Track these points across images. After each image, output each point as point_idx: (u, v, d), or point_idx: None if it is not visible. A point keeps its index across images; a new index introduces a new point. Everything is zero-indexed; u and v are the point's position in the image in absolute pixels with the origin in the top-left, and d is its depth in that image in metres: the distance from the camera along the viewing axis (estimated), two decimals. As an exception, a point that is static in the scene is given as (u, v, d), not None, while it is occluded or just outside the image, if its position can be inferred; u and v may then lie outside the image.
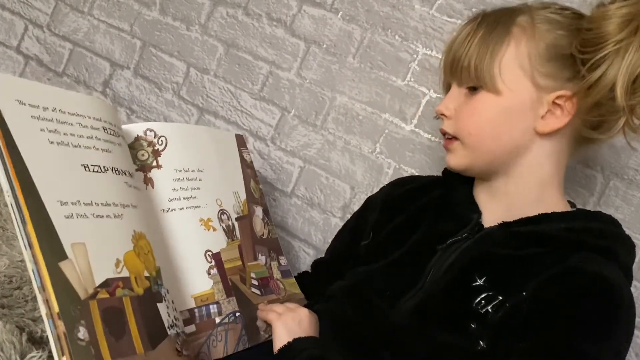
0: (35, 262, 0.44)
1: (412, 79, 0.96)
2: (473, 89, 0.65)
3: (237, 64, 1.07)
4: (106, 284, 0.49)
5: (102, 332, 0.46)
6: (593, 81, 0.58)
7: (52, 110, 0.54)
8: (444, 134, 0.69)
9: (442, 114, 0.68)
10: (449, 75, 0.69)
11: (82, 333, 0.45)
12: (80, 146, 0.54)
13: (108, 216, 0.53)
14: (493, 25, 0.64)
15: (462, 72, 0.65)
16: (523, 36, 0.62)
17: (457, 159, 0.67)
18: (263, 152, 1.04)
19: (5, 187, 0.46)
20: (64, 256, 0.46)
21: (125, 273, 0.52)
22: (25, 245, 0.45)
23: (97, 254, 0.49)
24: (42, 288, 0.44)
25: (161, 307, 0.55)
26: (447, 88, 0.73)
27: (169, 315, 0.56)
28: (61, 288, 0.45)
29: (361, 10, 0.99)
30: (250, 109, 1.06)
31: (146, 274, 0.55)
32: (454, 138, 0.67)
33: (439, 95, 0.94)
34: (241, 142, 0.86)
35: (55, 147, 0.52)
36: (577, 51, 0.60)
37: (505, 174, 0.66)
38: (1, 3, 1.24)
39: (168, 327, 0.55)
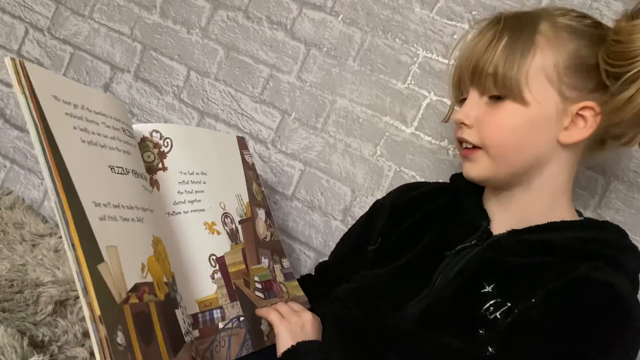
0: (78, 264, 0.43)
1: (412, 82, 0.96)
2: (496, 97, 0.63)
3: (238, 67, 1.07)
4: (135, 288, 0.48)
5: (135, 337, 0.45)
6: (628, 97, 0.58)
7: (82, 108, 0.51)
8: (461, 142, 0.67)
9: (463, 123, 0.65)
10: (469, 81, 0.66)
11: (120, 338, 0.43)
12: (106, 146, 0.53)
13: (132, 219, 0.51)
14: (517, 32, 0.62)
15: (487, 80, 0.63)
16: (548, 46, 0.61)
17: (479, 169, 0.65)
18: (264, 155, 1.04)
19: (49, 184, 0.44)
20: (101, 259, 0.45)
21: (149, 278, 0.50)
22: (69, 246, 0.43)
23: (127, 257, 0.48)
24: (85, 291, 0.42)
25: (178, 313, 0.54)
26: (457, 93, 0.72)
27: (184, 322, 0.55)
28: (100, 291, 0.43)
29: (361, 13, 1.00)
30: (251, 112, 1.06)
31: (165, 279, 0.53)
32: (476, 147, 0.65)
33: (439, 98, 0.94)
34: (242, 144, 0.86)
35: (86, 146, 0.50)
36: (604, 63, 0.59)
37: (522, 184, 0.65)
38: (1, 6, 1.24)
39: (185, 334, 0.54)
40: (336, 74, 1.00)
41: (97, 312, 0.42)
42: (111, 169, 0.52)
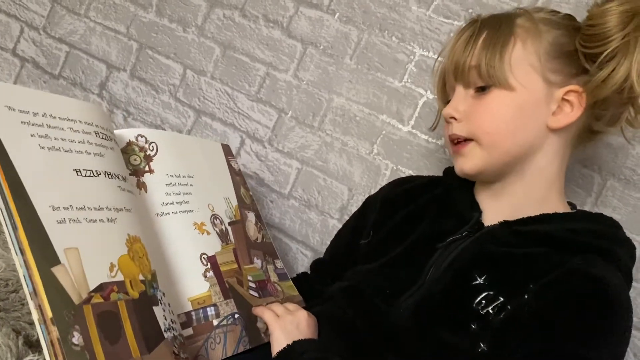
0: (27, 268, 0.44)
1: (409, 80, 0.96)
2: (481, 89, 0.64)
3: (234, 66, 1.07)
4: (100, 288, 0.49)
5: (96, 336, 0.46)
6: (606, 75, 0.60)
7: (43, 116, 0.53)
8: (454, 138, 0.67)
9: (452, 117, 0.66)
10: (452, 78, 0.68)
11: (77, 338, 0.44)
12: (71, 151, 0.54)
13: (101, 220, 0.53)
14: (495, 27, 0.65)
15: (470, 73, 0.65)
16: (527, 36, 0.63)
17: (473, 162, 0.65)
18: (260, 153, 1.04)
19: None
20: (56, 261, 0.46)
21: (119, 277, 0.51)
22: (16, 251, 0.44)
23: (91, 258, 0.49)
24: (35, 293, 0.43)
25: (157, 310, 0.55)
26: (443, 96, 0.73)
27: (165, 319, 0.56)
28: (54, 293, 0.44)
29: (358, 12, 0.99)
30: (248, 110, 1.06)
31: (141, 277, 0.54)
32: (467, 140, 0.65)
33: (436, 97, 0.93)
34: (228, 151, 0.86)
35: (46, 152, 0.51)
36: (581, 47, 0.62)
37: (515, 174, 0.65)
38: (-3, 5, 1.23)
39: (164, 331, 0.55)
40: (333, 73, 1.00)
41: (49, 314, 0.43)
42: (77, 172, 0.53)
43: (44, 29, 1.20)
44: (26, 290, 0.44)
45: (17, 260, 0.44)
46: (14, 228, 0.45)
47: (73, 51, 1.17)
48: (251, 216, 0.82)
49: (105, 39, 1.15)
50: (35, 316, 0.43)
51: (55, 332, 0.43)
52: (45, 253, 0.45)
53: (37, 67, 1.20)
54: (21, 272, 0.44)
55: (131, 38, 1.14)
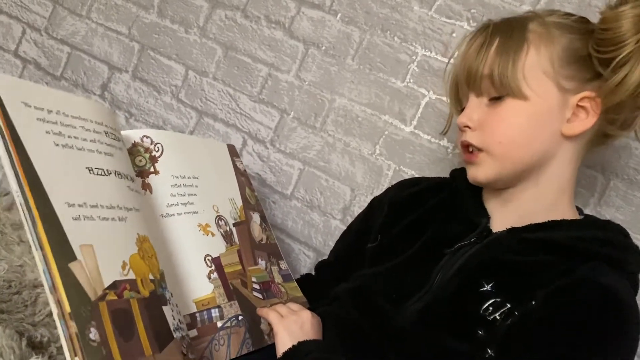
0: (46, 263, 0.44)
1: (411, 80, 0.96)
2: (496, 98, 0.64)
3: (236, 67, 1.07)
4: (114, 285, 0.49)
5: (112, 333, 0.46)
6: (620, 79, 0.59)
7: (56, 113, 0.53)
8: (467, 145, 0.67)
9: (466, 126, 0.66)
10: (465, 87, 0.67)
11: (94, 334, 0.45)
12: (84, 149, 0.54)
13: (113, 219, 0.53)
14: (507, 33, 0.64)
15: (483, 82, 0.64)
16: (540, 41, 0.62)
17: (485, 171, 0.65)
18: (262, 154, 1.04)
19: (15, 187, 0.46)
20: (73, 257, 0.46)
21: (131, 275, 0.51)
22: (35, 246, 0.45)
23: (104, 256, 0.49)
24: (54, 288, 0.44)
25: (166, 310, 0.55)
26: (456, 104, 0.73)
27: (174, 319, 0.56)
28: (72, 289, 0.45)
29: (360, 12, 0.99)
30: (250, 111, 1.05)
31: (151, 276, 0.55)
32: (478, 150, 0.65)
33: (438, 97, 0.93)
34: (233, 151, 0.86)
35: (60, 150, 0.51)
36: (594, 51, 0.61)
37: (527, 181, 0.65)
38: (-2, 7, 1.23)
39: (174, 330, 0.55)
40: (335, 73, 1.00)
41: (67, 309, 0.43)
42: (89, 170, 0.53)
43: (45, 30, 1.20)
44: (45, 285, 0.44)
45: (37, 255, 0.44)
46: (33, 223, 0.45)
47: (75, 52, 1.17)
48: (256, 217, 0.82)
49: (107, 40, 1.15)
50: (54, 311, 0.43)
51: (73, 327, 0.43)
52: (62, 249, 0.46)
53: (39, 68, 1.20)
54: (40, 267, 0.44)
55: (133, 39, 1.14)
